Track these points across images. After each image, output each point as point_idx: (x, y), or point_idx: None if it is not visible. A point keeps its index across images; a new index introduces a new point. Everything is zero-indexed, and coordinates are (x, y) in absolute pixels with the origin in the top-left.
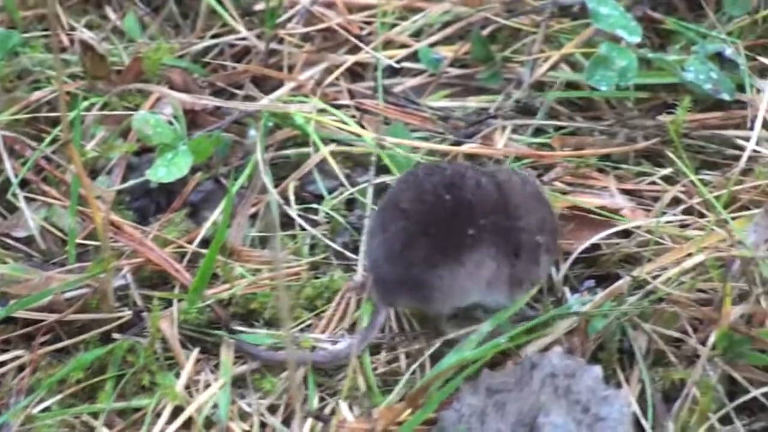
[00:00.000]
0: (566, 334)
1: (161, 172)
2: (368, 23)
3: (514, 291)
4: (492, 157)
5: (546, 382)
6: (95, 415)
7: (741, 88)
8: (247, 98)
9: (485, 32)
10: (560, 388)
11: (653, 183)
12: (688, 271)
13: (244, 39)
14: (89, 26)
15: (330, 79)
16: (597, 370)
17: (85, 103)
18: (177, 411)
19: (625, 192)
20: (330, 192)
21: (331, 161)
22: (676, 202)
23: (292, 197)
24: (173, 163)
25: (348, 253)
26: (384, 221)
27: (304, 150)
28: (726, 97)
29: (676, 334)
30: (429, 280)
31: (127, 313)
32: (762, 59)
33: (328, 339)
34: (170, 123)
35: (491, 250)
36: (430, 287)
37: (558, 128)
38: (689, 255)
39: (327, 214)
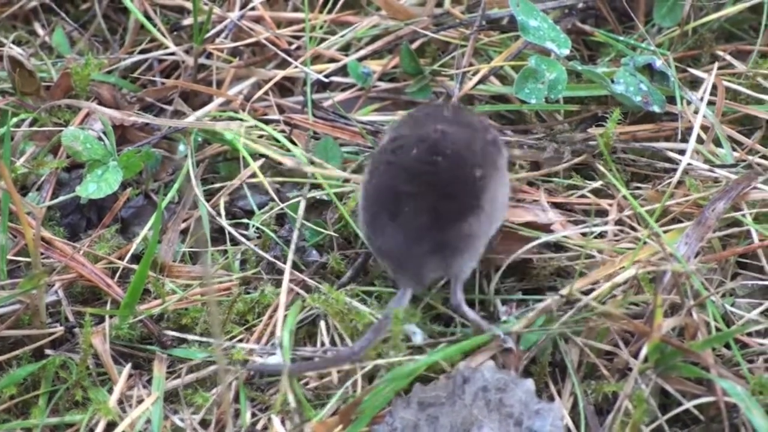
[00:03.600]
0: (499, 348)
1: (91, 188)
2: (297, 38)
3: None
4: None
5: (478, 396)
6: (29, 430)
7: (671, 100)
8: (176, 114)
9: (414, 46)
10: (492, 402)
11: (584, 196)
12: (620, 284)
13: (172, 54)
14: (18, 42)
15: (259, 93)
16: (529, 383)
17: (15, 119)
18: (110, 426)
19: (556, 205)
20: (260, 207)
21: (261, 176)
22: (607, 215)
23: (222, 212)
24: (103, 179)
25: (280, 264)
26: (389, 209)
27: (234, 165)
28: (656, 109)
29: (608, 348)
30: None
31: (59, 329)
32: (692, 71)
33: (260, 352)
34: (100, 139)
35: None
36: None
37: None
38: (621, 269)
39: (257, 229)
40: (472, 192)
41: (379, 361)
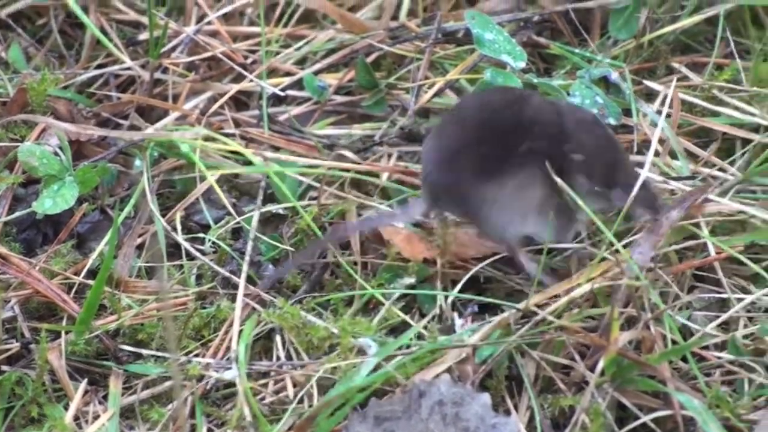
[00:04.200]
0: (456, 362)
1: (48, 203)
2: (252, 51)
3: (562, 226)
4: (379, 175)
5: (434, 410)
6: None
7: (627, 112)
8: (132, 128)
9: (369, 59)
10: (449, 416)
11: None
12: (577, 298)
13: (128, 69)
14: None
15: (215, 107)
16: (486, 397)
17: None
18: None
19: None
20: (216, 221)
21: (218, 190)
22: None
23: (178, 227)
24: (60, 195)
25: (235, 279)
26: (442, 128)
27: (190, 179)
28: (612, 121)
29: (565, 361)
30: (474, 192)
31: (15, 345)
32: (648, 83)
33: (216, 366)
34: (56, 154)
35: (537, 173)
36: (474, 201)
37: None
38: (578, 284)
39: (213, 243)
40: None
41: (335, 364)
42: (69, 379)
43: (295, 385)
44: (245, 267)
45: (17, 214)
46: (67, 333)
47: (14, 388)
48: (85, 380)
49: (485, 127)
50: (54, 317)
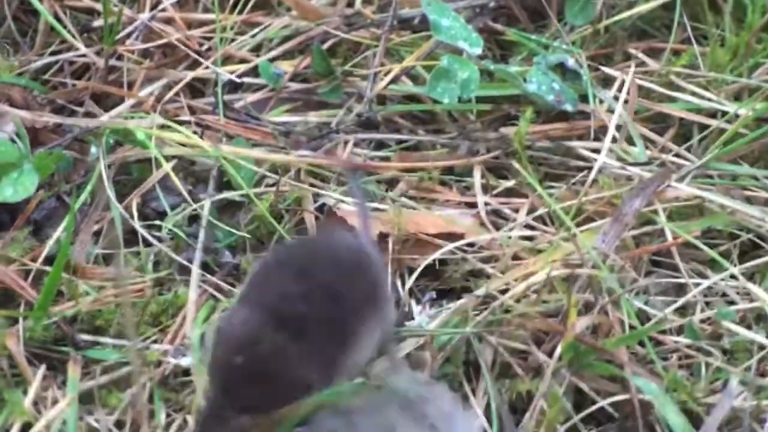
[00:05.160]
0: (413, 349)
1: (8, 191)
2: (208, 38)
3: None
4: (335, 168)
5: (395, 401)
6: None
7: (584, 98)
8: (88, 115)
9: (325, 46)
10: (409, 407)
11: (497, 196)
12: (535, 284)
13: (83, 56)
14: None
15: (170, 95)
16: (444, 386)
17: None
18: (25, 427)
19: (469, 205)
20: (173, 208)
21: (174, 177)
22: (518, 213)
23: (135, 214)
24: (20, 183)
25: (192, 266)
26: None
27: (147, 166)
28: (569, 107)
29: (522, 347)
30: None
31: None
32: (604, 69)
33: (173, 353)
34: (12, 141)
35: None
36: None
37: (400, 141)
38: (535, 271)
39: (170, 230)
40: None
41: None
42: (27, 364)
43: None
44: (198, 254)
45: None
46: (24, 319)
47: None
48: (44, 366)
49: None
50: (11, 303)
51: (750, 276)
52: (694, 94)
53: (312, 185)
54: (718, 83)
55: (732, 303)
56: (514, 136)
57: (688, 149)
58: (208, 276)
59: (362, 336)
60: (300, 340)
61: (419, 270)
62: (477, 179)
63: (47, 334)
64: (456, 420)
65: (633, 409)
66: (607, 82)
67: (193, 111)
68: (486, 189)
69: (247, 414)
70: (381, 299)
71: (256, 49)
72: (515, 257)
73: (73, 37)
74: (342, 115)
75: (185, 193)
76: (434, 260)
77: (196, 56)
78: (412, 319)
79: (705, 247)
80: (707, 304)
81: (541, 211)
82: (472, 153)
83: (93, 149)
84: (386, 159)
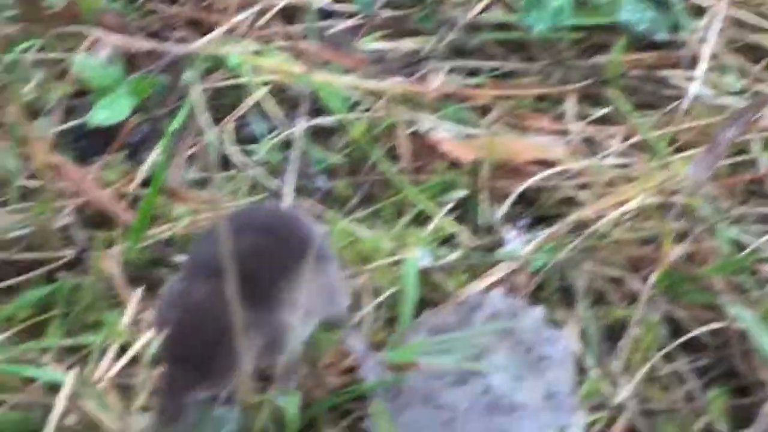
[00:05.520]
0: (508, 274)
1: (102, 114)
2: None
3: None
4: (426, 96)
5: (489, 323)
6: (43, 351)
7: (675, 28)
8: (182, 41)
9: None
10: (503, 329)
11: (590, 124)
12: (629, 212)
13: None
14: None
15: (263, 20)
16: (539, 310)
17: (22, 46)
18: (123, 348)
19: (562, 133)
20: (267, 133)
21: (267, 103)
22: (610, 141)
23: (229, 138)
24: (114, 106)
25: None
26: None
27: (240, 91)
28: (661, 37)
29: (617, 274)
30: None
31: (70, 253)
32: None
33: None
34: (107, 65)
35: None
36: None
37: (492, 69)
38: (628, 198)
39: (264, 155)
40: None
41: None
42: (124, 286)
43: None
44: (291, 178)
45: (70, 124)
46: (121, 241)
47: (71, 294)
48: (141, 287)
49: None
50: (108, 225)
51: None
52: None
53: (404, 111)
54: None
55: None
56: (608, 64)
57: None
58: (302, 200)
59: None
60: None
61: (513, 196)
62: (570, 107)
63: (143, 257)
64: (549, 343)
65: (728, 337)
66: (699, 11)
67: (286, 37)
68: (579, 117)
69: (201, 380)
70: (313, 252)
71: None
72: (608, 184)
73: None
74: (434, 43)
75: (278, 119)
76: (527, 187)
77: None
78: (507, 244)
79: None
80: None
81: (634, 139)
82: (564, 81)
83: (187, 74)
84: (479, 86)
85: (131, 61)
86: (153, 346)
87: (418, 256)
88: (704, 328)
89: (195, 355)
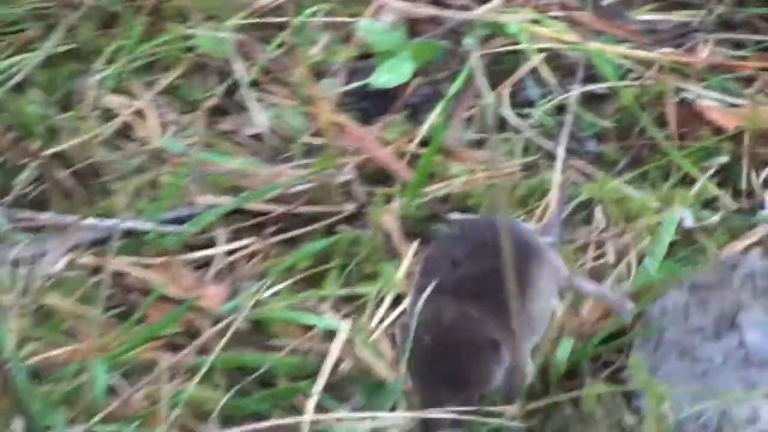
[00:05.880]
0: (766, 236)
1: (384, 77)
2: None
3: None
4: (694, 66)
5: (746, 282)
6: (321, 299)
7: None
8: (463, 8)
9: None
10: (759, 288)
11: None
12: None
13: None
14: None
15: None
16: None
17: (310, 10)
18: (398, 299)
19: None
20: (541, 98)
21: (543, 69)
22: None
23: (505, 102)
24: (396, 69)
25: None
26: None
27: (517, 58)
28: None
29: None
30: None
31: (350, 207)
32: None
33: (540, 231)
34: (391, 30)
35: None
36: None
37: (758, 42)
38: None
39: (538, 118)
40: None
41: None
42: (402, 239)
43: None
44: (564, 141)
45: (354, 85)
46: (400, 197)
47: (349, 247)
48: (416, 241)
49: None
50: (387, 182)
51: None
52: None
53: (672, 80)
54: None
55: None
56: None
57: None
58: (573, 162)
59: (535, 287)
60: (479, 304)
61: None
62: None
63: (420, 213)
64: None
65: None
66: None
67: (562, 7)
68: None
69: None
70: (541, 253)
71: None
72: None
73: None
74: (703, 15)
75: (553, 84)
76: None
77: None
78: (765, 209)
79: None
80: None
81: None
82: None
83: (468, 40)
84: (744, 58)
85: (413, 27)
86: None
87: (681, 215)
88: None
89: (450, 374)
